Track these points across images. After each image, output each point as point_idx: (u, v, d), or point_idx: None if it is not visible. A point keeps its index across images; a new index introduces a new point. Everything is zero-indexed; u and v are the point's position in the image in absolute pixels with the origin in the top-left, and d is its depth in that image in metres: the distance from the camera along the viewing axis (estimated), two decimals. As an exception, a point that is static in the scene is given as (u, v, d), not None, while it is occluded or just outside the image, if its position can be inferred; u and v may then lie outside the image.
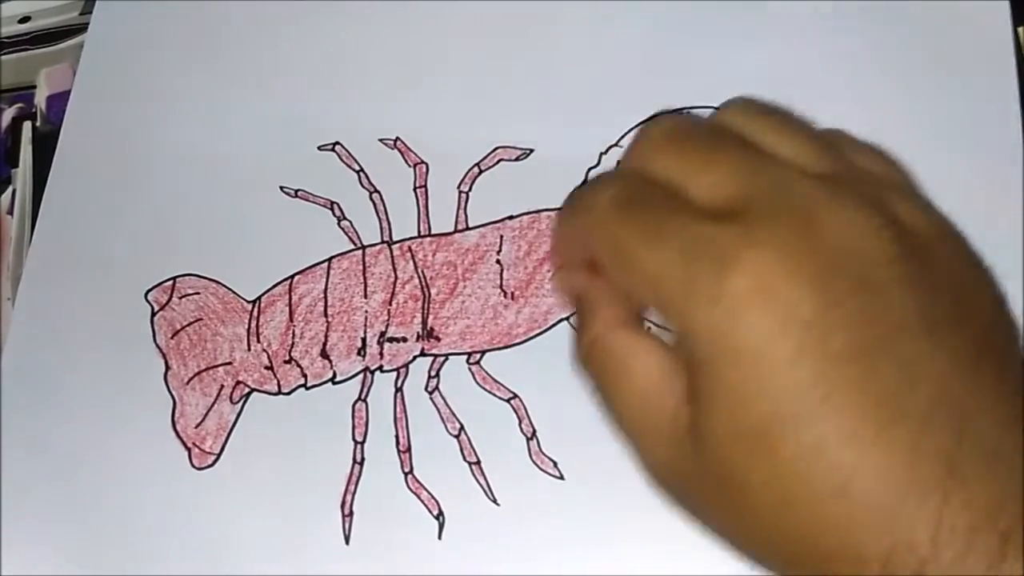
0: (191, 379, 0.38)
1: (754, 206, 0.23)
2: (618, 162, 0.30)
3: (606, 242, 0.25)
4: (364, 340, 0.37)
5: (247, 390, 0.38)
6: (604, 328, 0.27)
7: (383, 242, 0.39)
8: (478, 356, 0.37)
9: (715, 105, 0.38)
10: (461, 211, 0.39)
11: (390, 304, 0.38)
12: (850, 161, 0.28)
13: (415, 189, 0.40)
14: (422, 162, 0.40)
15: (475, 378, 0.36)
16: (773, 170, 0.25)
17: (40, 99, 0.45)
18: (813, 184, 0.24)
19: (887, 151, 0.31)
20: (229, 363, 0.38)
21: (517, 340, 0.37)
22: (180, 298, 0.39)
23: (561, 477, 0.35)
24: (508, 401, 0.36)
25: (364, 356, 0.37)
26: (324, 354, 0.37)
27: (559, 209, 0.30)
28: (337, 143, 0.41)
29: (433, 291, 0.38)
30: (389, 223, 0.39)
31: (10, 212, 0.43)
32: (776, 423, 0.22)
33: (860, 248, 0.23)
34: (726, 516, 0.24)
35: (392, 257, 0.39)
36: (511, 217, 0.38)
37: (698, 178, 0.25)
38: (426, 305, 0.38)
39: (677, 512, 0.26)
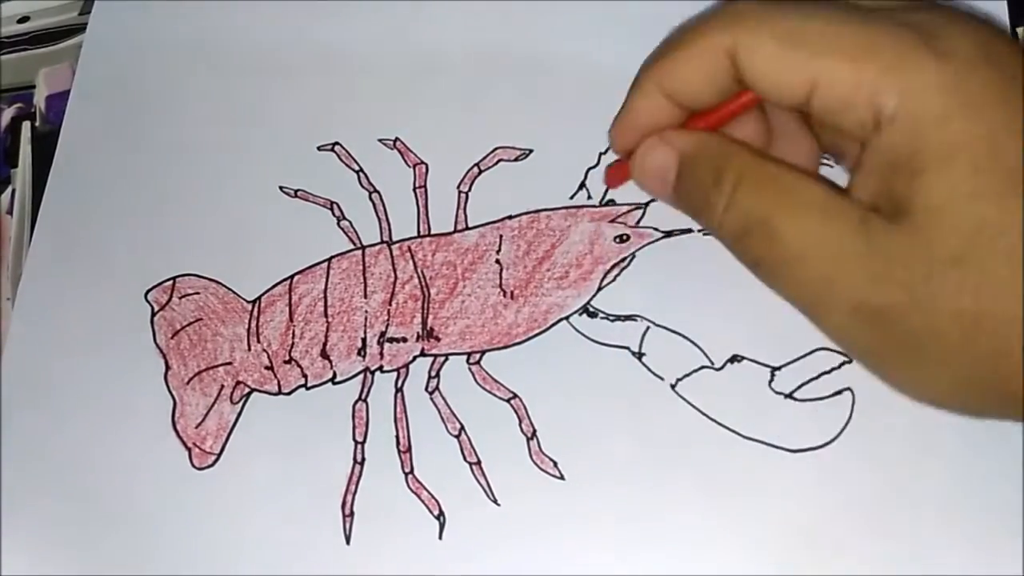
0: (191, 379, 0.38)
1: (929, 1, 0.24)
2: None
3: (777, 38, 0.23)
4: (364, 340, 0.37)
5: (247, 390, 0.38)
6: (750, 161, 0.25)
7: (383, 242, 0.39)
8: (478, 356, 0.37)
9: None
10: (460, 211, 0.39)
11: (390, 304, 0.38)
12: None
13: (415, 189, 0.40)
14: (421, 162, 0.40)
15: (475, 378, 0.36)
16: None
17: (39, 99, 0.45)
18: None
19: None
20: (229, 363, 0.38)
21: (517, 340, 0.37)
22: (180, 298, 0.39)
23: (561, 477, 0.35)
24: (508, 401, 0.36)
25: (364, 356, 0.37)
26: (324, 354, 0.37)
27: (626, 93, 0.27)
28: (337, 143, 0.41)
29: (433, 291, 0.38)
30: (389, 223, 0.39)
31: (10, 212, 0.43)
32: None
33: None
34: (959, 295, 0.22)
35: (392, 257, 0.39)
36: (510, 217, 0.39)
37: None
38: (426, 305, 0.38)
39: (873, 342, 0.23)
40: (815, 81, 0.23)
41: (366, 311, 0.38)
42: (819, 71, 0.23)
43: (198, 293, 0.39)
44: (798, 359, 0.35)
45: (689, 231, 0.37)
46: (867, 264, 0.22)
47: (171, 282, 0.40)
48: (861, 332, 0.23)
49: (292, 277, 0.39)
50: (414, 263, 0.38)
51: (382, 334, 0.37)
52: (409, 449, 0.36)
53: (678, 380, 0.35)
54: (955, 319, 0.22)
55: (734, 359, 0.35)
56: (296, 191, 0.40)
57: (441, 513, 0.35)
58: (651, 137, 0.27)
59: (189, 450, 0.37)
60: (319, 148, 0.41)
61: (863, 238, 0.22)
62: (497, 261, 0.38)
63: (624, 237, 0.37)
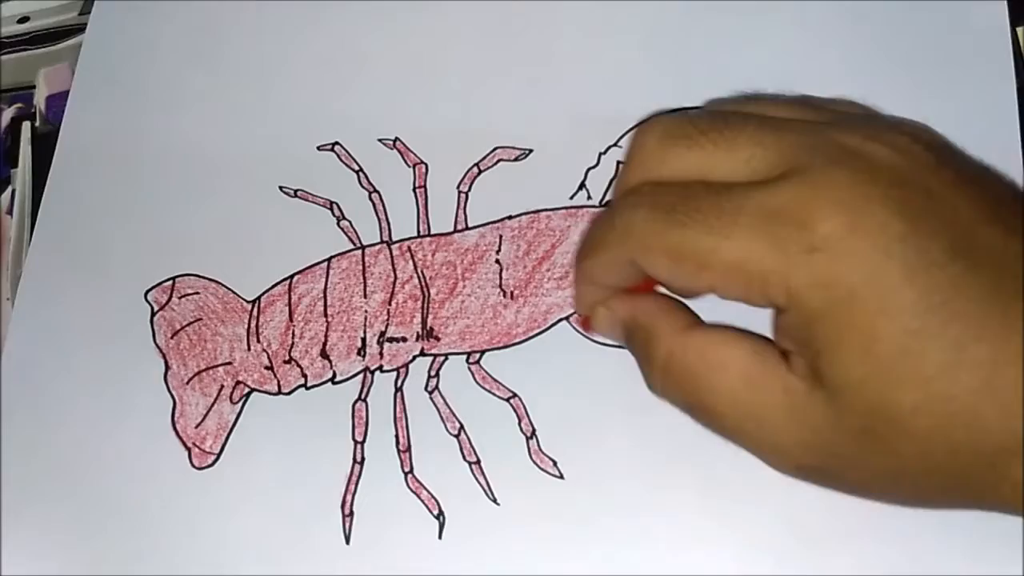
0: (191, 379, 0.38)
1: (799, 161, 0.24)
2: (614, 188, 0.29)
3: (665, 255, 0.25)
4: (364, 340, 0.37)
5: (247, 390, 0.38)
6: (675, 337, 0.27)
7: (382, 242, 0.39)
8: (478, 356, 0.37)
9: (715, 105, 0.38)
10: (460, 211, 0.39)
11: (390, 304, 0.38)
12: (829, 108, 0.28)
13: (414, 189, 0.40)
14: (421, 162, 0.40)
15: (475, 377, 0.36)
16: (794, 128, 0.25)
17: (39, 99, 0.45)
18: (835, 129, 0.25)
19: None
20: (229, 363, 0.38)
21: (517, 339, 0.37)
22: (180, 298, 0.39)
23: (561, 476, 0.35)
24: (508, 400, 0.36)
25: (364, 356, 0.37)
26: (324, 354, 0.37)
27: (577, 248, 0.29)
28: (336, 143, 0.41)
29: (432, 291, 0.38)
30: (388, 223, 0.39)
31: (9, 212, 0.43)
32: (910, 343, 0.22)
33: (909, 165, 0.24)
34: (877, 462, 0.24)
35: (392, 257, 0.39)
36: (510, 217, 0.39)
37: (725, 160, 0.25)
38: (426, 305, 0.38)
39: (820, 485, 0.26)
40: (711, 287, 0.25)
41: (366, 311, 0.38)
42: (711, 281, 0.25)
43: (198, 293, 0.39)
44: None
45: (689, 231, 0.37)
46: (795, 434, 0.24)
47: (171, 282, 0.40)
48: (811, 481, 0.26)
49: (292, 277, 0.39)
50: (414, 263, 0.38)
51: (382, 334, 0.37)
52: (409, 448, 0.36)
53: (678, 380, 0.35)
54: (882, 476, 0.24)
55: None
56: (296, 191, 0.40)
57: (441, 512, 0.35)
58: (601, 307, 0.30)
59: (189, 450, 0.37)
60: (319, 148, 0.41)
61: (787, 409, 0.24)
62: (497, 261, 0.38)
63: (624, 237, 0.37)
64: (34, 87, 0.45)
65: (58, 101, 0.44)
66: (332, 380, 0.37)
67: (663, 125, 0.27)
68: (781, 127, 0.25)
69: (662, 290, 0.28)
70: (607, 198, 0.38)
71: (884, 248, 0.22)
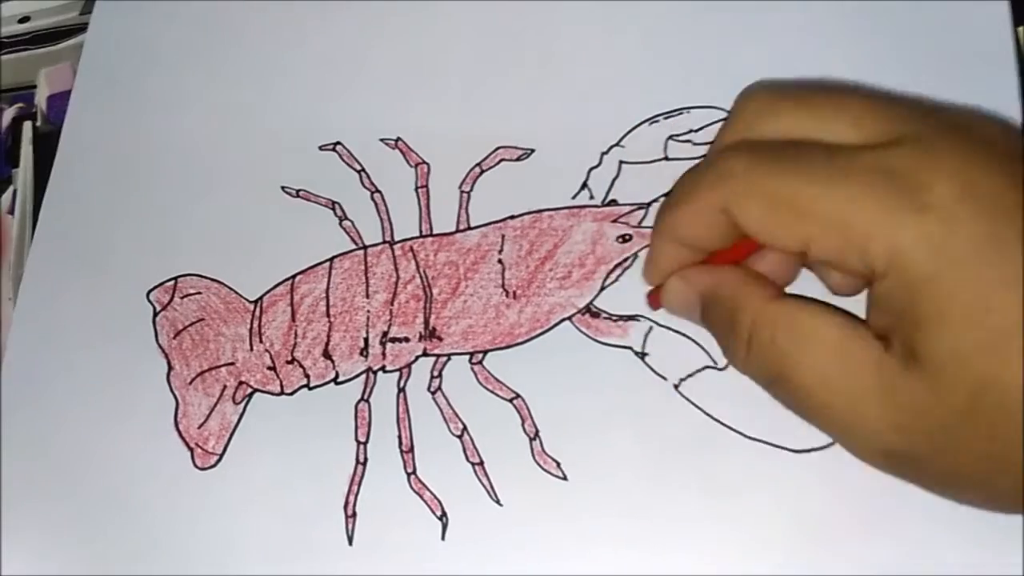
0: (194, 379, 0.38)
1: (912, 128, 0.23)
2: (710, 149, 0.28)
3: (763, 200, 0.24)
4: (366, 340, 0.37)
5: (250, 390, 0.38)
6: (763, 307, 0.25)
7: (385, 242, 0.39)
8: (480, 356, 0.37)
9: (716, 105, 0.38)
10: (463, 211, 0.39)
11: (392, 304, 0.38)
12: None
13: (416, 189, 0.40)
14: (423, 162, 0.40)
15: (477, 378, 0.36)
16: (903, 99, 0.25)
17: (40, 99, 0.45)
18: (942, 107, 0.24)
19: None
20: (232, 363, 0.38)
21: (519, 340, 0.37)
22: (182, 298, 0.39)
23: (564, 477, 0.35)
24: (511, 401, 0.36)
25: (367, 356, 0.37)
26: (327, 354, 0.37)
27: (660, 203, 0.28)
28: (338, 143, 0.41)
29: (435, 291, 0.38)
30: (391, 223, 0.39)
31: (11, 212, 0.43)
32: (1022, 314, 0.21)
33: (1009, 139, 0.23)
34: (976, 445, 0.22)
35: (394, 257, 0.39)
36: (513, 217, 0.39)
37: (834, 122, 0.24)
38: (428, 305, 0.38)
39: (902, 477, 0.24)
40: (806, 240, 0.24)
41: (368, 311, 0.38)
42: (808, 234, 0.24)
43: (200, 293, 0.39)
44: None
45: (691, 231, 0.37)
46: (887, 414, 0.23)
47: (173, 282, 0.40)
48: (893, 469, 0.25)
49: (294, 277, 0.39)
50: (416, 263, 0.38)
51: (384, 334, 0.37)
52: (412, 449, 0.36)
53: (681, 380, 0.35)
54: (977, 462, 0.23)
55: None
56: (298, 191, 0.40)
57: (444, 513, 0.35)
58: (675, 278, 0.29)
59: (191, 450, 0.37)
60: (321, 148, 0.41)
61: (880, 387, 0.23)
62: (499, 261, 0.38)
63: (627, 237, 0.37)
64: (35, 87, 0.45)
65: (59, 101, 0.44)
66: (335, 380, 0.37)
67: (769, 86, 0.26)
68: (890, 97, 0.25)
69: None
70: (609, 197, 0.38)
71: (1000, 214, 0.21)
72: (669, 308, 0.30)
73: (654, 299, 0.31)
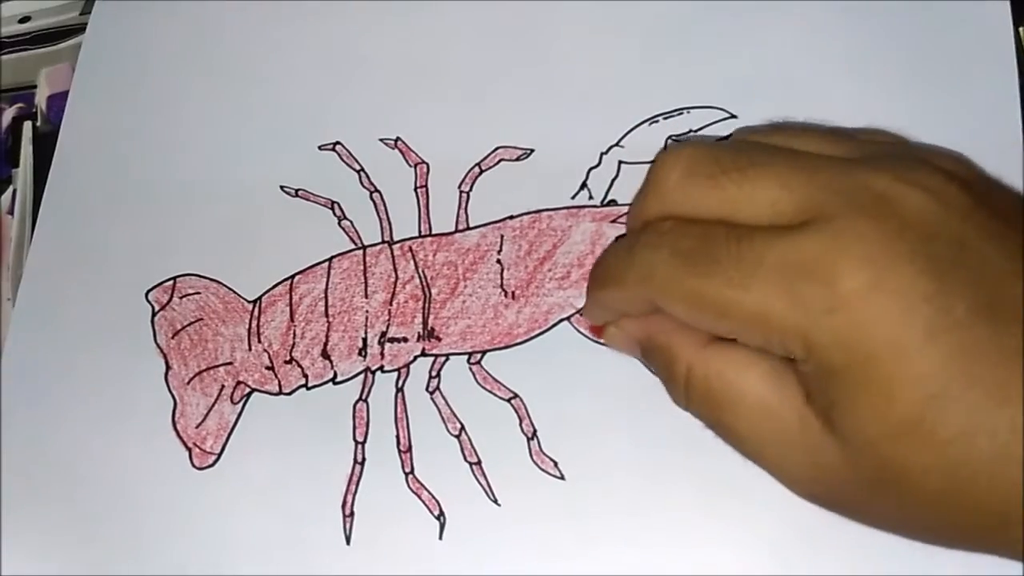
0: (192, 379, 0.38)
1: (825, 208, 0.23)
2: (630, 213, 0.29)
3: (685, 301, 0.25)
4: (365, 340, 0.37)
5: (248, 390, 0.38)
6: (694, 354, 0.26)
7: (384, 242, 0.39)
8: (479, 356, 0.37)
9: (716, 105, 0.38)
10: (462, 211, 0.39)
11: (391, 304, 0.38)
12: (862, 140, 0.28)
13: (416, 189, 0.40)
14: (423, 162, 0.40)
15: (476, 378, 0.36)
16: (822, 168, 0.24)
17: (40, 99, 0.45)
18: (865, 169, 0.24)
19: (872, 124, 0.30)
20: (230, 363, 0.38)
21: (518, 340, 0.37)
22: (181, 298, 0.39)
23: (562, 477, 0.35)
24: (509, 401, 0.36)
25: (365, 356, 0.37)
26: (325, 354, 0.37)
27: (589, 280, 0.29)
28: (338, 143, 0.41)
29: (434, 291, 0.38)
30: (390, 223, 0.39)
31: (10, 212, 0.43)
32: (928, 408, 0.21)
33: (940, 211, 0.23)
34: (885, 509, 0.24)
35: (393, 257, 0.39)
36: (512, 217, 0.38)
37: (749, 202, 0.25)
38: (427, 305, 0.38)
39: (830, 512, 0.26)
40: (731, 333, 0.25)
41: (367, 311, 0.38)
42: (731, 328, 0.24)
43: (199, 293, 0.39)
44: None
45: (690, 231, 0.37)
46: (809, 469, 0.24)
47: (172, 282, 0.40)
48: (824, 507, 0.26)
49: (293, 277, 0.39)
50: (415, 263, 0.38)
51: (383, 334, 0.37)
52: (410, 449, 0.36)
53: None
54: (890, 522, 0.24)
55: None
56: (297, 191, 0.40)
57: (441, 513, 0.35)
58: (611, 326, 0.30)
59: (189, 450, 0.37)
60: (320, 148, 0.41)
61: (802, 445, 0.24)
62: (498, 261, 0.38)
63: (625, 237, 0.37)
64: (35, 87, 0.45)
65: (59, 101, 0.44)
66: (333, 380, 0.37)
67: (685, 159, 0.26)
68: (808, 167, 0.24)
69: None
70: (609, 198, 0.38)
71: (908, 308, 0.22)
72: (613, 348, 0.31)
73: (596, 332, 0.32)
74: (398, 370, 0.37)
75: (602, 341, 0.31)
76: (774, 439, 0.25)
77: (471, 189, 0.39)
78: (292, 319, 0.38)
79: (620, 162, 0.38)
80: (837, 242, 0.22)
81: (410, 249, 0.39)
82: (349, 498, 0.35)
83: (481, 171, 0.39)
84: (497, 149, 0.40)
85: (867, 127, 0.31)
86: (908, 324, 0.22)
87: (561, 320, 0.37)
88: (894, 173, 0.24)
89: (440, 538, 0.35)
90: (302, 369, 0.37)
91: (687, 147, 0.26)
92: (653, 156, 0.38)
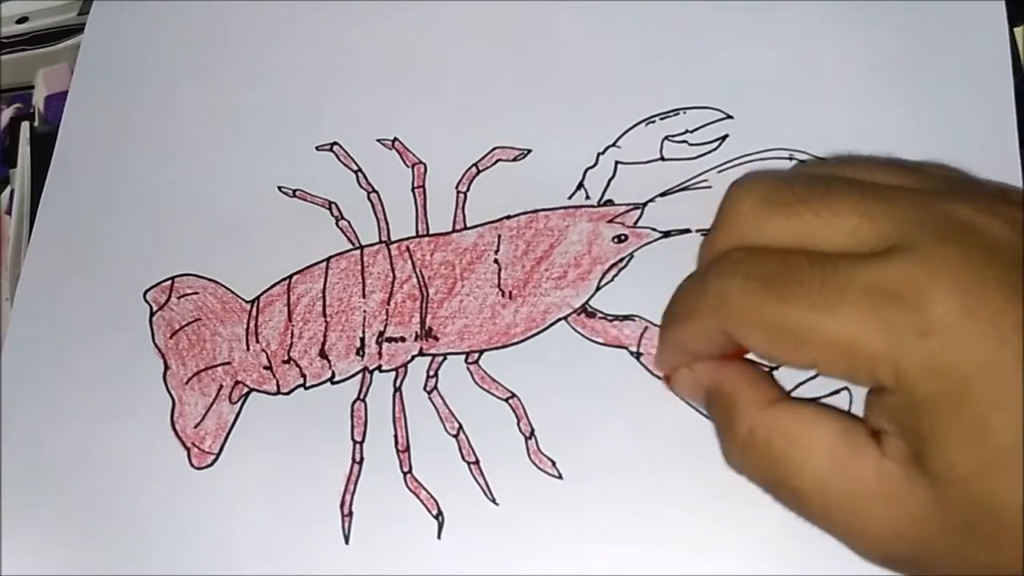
0: (190, 379, 0.38)
1: (908, 236, 0.23)
2: (701, 250, 0.28)
3: (763, 329, 0.24)
4: (363, 340, 0.37)
5: (246, 390, 0.38)
6: (759, 413, 0.25)
7: (381, 242, 0.39)
8: (476, 355, 0.37)
9: (712, 106, 0.38)
10: (459, 211, 0.39)
11: (388, 304, 0.38)
12: (928, 172, 0.27)
13: (413, 189, 0.40)
14: (420, 162, 0.40)
15: (473, 377, 0.36)
16: (900, 197, 0.24)
17: (38, 99, 0.45)
18: (943, 199, 0.23)
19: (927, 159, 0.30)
20: (228, 363, 0.38)
21: (515, 339, 0.37)
22: (179, 298, 0.39)
23: (560, 476, 0.35)
24: (506, 400, 0.36)
25: (363, 356, 0.37)
26: (323, 354, 0.38)
27: (661, 317, 0.28)
28: (335, 143, 0.41)
29: (431, 291, 0.38)
30: (387, 223, 0.39)
31: (8, 212, 0.43)
32: None
33: (1009, 238, 0.23)
34: (975, 554, 0.23)
35: (390, 257, 0.39)
36: (509, 217, 0.39)
37: (827, 231, 0.24)
38: (424, 305, 0.38)
39: (908, 572, 0.24)
40: (812, 363, 0.24)
41: (364, 311, 0.38)
42: (813, 357, 0.23)
43: (197, 293, 0.39)
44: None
45: (687, 231, 0.37)
46: (889, 522, 0.23)
47: (170, 282, 0.40)
48: (894, 569, 0.25)
49: (290, 277, 0.39)
50: (412, 263, 0.38)
51: (380, 334, 0.38)
52: (408, 448, 0.36)
53: (676, 380, 0.35)
54: (980, 569, 0.23)
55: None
56: (294, 191, 0.40)
57: (440, 512, 0.35)
58: (683, 368, 0.29)
59: (188, 450, 0.37)
60: (317, 148, 0.41)
61: (881, 495, 0.23)
62: (495, 261, 0.38)
63: (622, 237, 0.37)
64: (33, 87, 0.45)
65: (57, 101, 0.44)
66: (331, 380, 0.37)
67: (759, 190, 0.25)
68: (887, 196, 0.24)
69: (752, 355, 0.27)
70: (605, 198, 0.38)
71: (1000, 335, 0.21)
72: (678, 394, 0.30)
73: (667, 380, 0.32)
74: (396, 370, 0.37)
75: (670, 387, 0.31)
76: (845, 497, 0.24)
77: (468, 189, 0.39)
78: (290, 319, 0.38)
79: (616, 162, 0.38)
80: (925, 268, 0.22)
81: (407, 249, 0.39)
82: (347, 497, 0.35)
83: (478, 171, 0.39)
84: (494, 149, 0.40)
85: (928, 161, 0.30)
86: (1001, 351, 0.21)
87: (558, 320, 0.37)
88: (974, 204, 0.23)
89: (438, 537, 0.35)
90: (300, 369, 0.38)
91: (759, 177, 0.26)
92: (648, 157, 0.38)
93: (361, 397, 0.37)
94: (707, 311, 0.25)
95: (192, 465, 0.37)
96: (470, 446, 0.35)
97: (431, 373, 0.37)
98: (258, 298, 0.39)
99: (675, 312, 0.28)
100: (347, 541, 0.35)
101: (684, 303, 0.27)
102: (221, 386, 0.38)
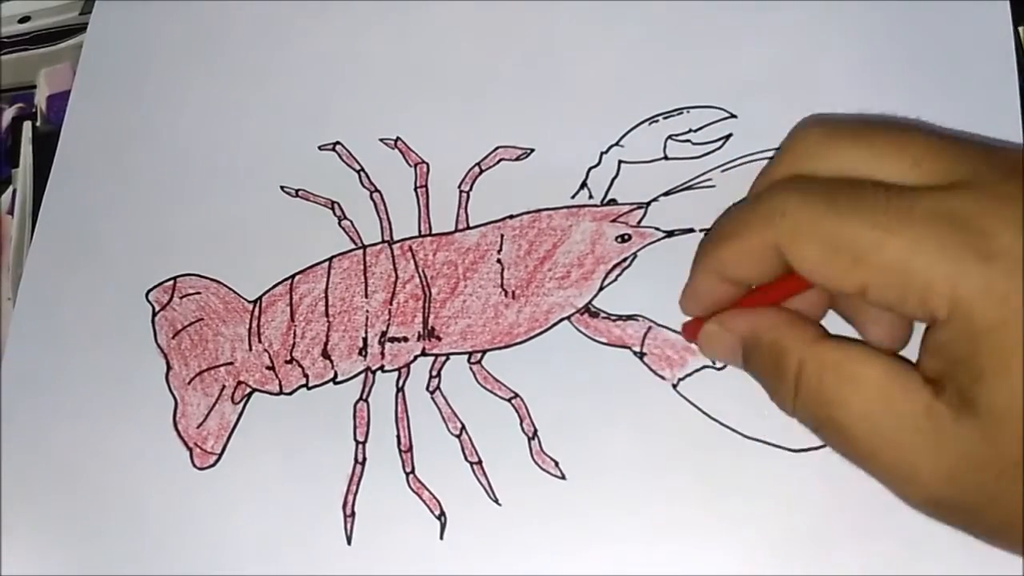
0: (192, 379, 0.38)
1: (975, 172, 0.22)
2: (757, 180, 0.28)
3: (820, 243, 0.23)
4: (365, 340, 0.37)
5: (249, 390, 0.38)
6: (807, 349, 0.25)
7: (384, 242, 0.39)
8: (479, 356, 0.37)
9: (715, 105, 0.38)
10: (462, 210, 0.39)
11: (391, 304, 0.38)
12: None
13: (416, 189, 0.40)
14: (423, 162, 0.40)
15: (476, 378, 0.36)
16: (961, 139, 0.24)
17: (40, 99, 0.45)
18: (1001, 145, 0.24)
19: None
20: (231, 363, 0.38)
21: (518, 339, 0.37)
22: (181, 298, 0.39)
23: (562, 477, 0.35)
24: (509, 401, 0.36)
25: (365, 356, 0.37)
26: (325, 354, 0.37)
27: (699, 240, 0.28)
28: (338, 143, 0.41)
29: (434, 290, 0.38)
30: (390, 223, 0.39)
31: (10, 212, 0.43)
32: None
33: None
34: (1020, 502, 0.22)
35: (393, 257, 0.39)
36: (512, 216, 0.38)
37: (893, 162, 0.24)
38: (427, 305, 0.38)
39: (948, 523, 0.24)
40: (863, 285, 0.23)
41: (367, 311, 0.38)
42: (866, 279, 0.23)
43: (199, 293, 0.39)
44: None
45: (691, 231, 0.37)
46: (938, 464, 0.23)
47: (172, 282, 0.40)
48: (943, 517, 0.24)
49: (293, 277, 0.39)
50: (415, 263, 0.38)
51: (383, 334, 0.37)
52: (410, 449, 0.36)
53: (679, 380, 0.35)
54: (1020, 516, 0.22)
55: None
56: (297, 191, 0.40)
57: (442, 513, 0.35)
58: (710, 323, 0.28)
59: (190, 450, 0.37)
60: (320, 148, 0.41)
61: (931, 436, 0.23)
62: (498, 261, 0.38)
63: (626, 237, 0.37)
64: (35, 87, 0.45)
65: (59, 101, 0.44)
66: (333, 380, 0.37)
67: (828, 121, 0.25)
68: (950, 137, 0.24)
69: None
70: (609, 197, 0.38)
71: None
72: (707, 353, 0.29)
73: (690, 331, 0.31)
74: (398, 370, 0.37)
75: (695, 344, 0.30)
76: (896, 436, 0.23)
77: (471, 189, 0.39)
78: (292, 319, 0.38)
79: (620, 161, 0.38)
80: (992, 200, 0.22)
81: (410, 249, 0.39)
82: (350, 498, 0.35)
83: (481, 171, 0.39)
84: (497, 149, 0.40)
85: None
86: None
87: (561, 319, 0.37)
88: None
89: (441, 538, 0.35)
90: (303, 369, 0.37)
91: (827, 117, 0.26)
92: (652, 157, 0.38)
93: (364, 397, 0.37)
94: (761, 223, 0.25)
95: (194, 465, 0.37)
96: (473, 446, 0.35)
97: (434, 373, 0.37)
98: (260, 298, 0.39)
99: (722, 229, 0.27)
100: (349, 541, 0.35)
101: (734, 219, 0.26)
102: (223, 386, 0.38)
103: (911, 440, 0.23)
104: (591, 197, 0.38)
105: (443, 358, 0.37)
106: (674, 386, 0.35)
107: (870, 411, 0.24)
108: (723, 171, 0.37)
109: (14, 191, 0.43)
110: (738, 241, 0.26)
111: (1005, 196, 0.22)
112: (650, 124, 0.39)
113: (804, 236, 0.24)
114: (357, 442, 0.36)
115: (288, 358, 0.38)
